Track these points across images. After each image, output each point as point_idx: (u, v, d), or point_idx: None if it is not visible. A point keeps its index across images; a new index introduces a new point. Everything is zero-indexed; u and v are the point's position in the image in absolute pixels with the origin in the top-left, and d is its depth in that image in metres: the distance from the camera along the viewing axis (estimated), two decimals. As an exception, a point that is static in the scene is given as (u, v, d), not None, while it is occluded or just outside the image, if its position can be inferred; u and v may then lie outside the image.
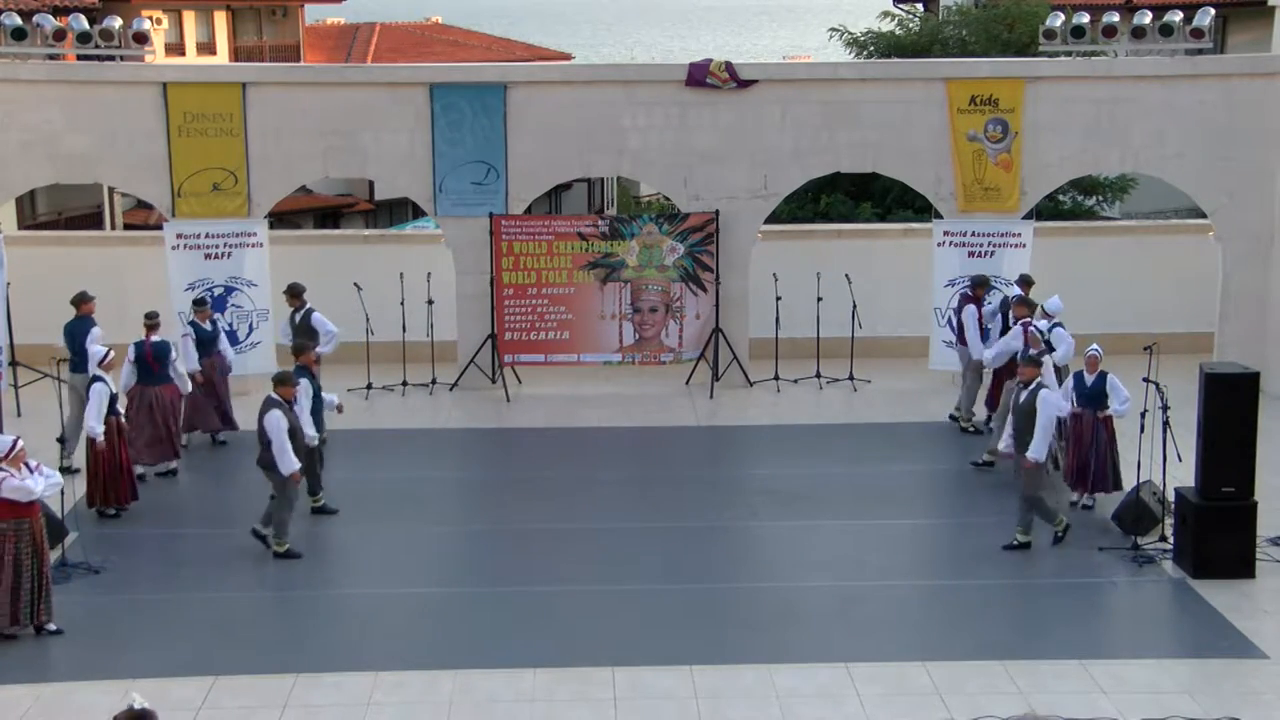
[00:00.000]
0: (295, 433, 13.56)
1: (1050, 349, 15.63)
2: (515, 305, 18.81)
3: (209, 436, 16.82)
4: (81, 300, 16.12)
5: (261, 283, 18.56)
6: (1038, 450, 13.42)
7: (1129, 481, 14.23)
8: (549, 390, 18.99)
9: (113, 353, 14.78)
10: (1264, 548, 13.31)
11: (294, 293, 16.90)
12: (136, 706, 7.21)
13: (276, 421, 13.35)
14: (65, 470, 14.55)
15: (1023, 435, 13.57)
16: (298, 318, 16.80)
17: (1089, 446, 14.25)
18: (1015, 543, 13.68)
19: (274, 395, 13.57)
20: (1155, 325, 18.35)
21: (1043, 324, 16.04)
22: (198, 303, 16.96)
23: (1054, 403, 13.56)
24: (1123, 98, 18.72)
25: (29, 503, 11.72)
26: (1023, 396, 13.71)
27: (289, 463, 13.37)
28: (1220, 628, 12.11)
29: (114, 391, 14.47)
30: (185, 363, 16.03)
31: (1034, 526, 13.76)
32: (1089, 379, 14.26)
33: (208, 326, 16.68)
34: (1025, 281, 17.12)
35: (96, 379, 14.38)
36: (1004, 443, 14.23)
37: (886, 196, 26.35)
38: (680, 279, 18.87)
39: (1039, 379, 13.74)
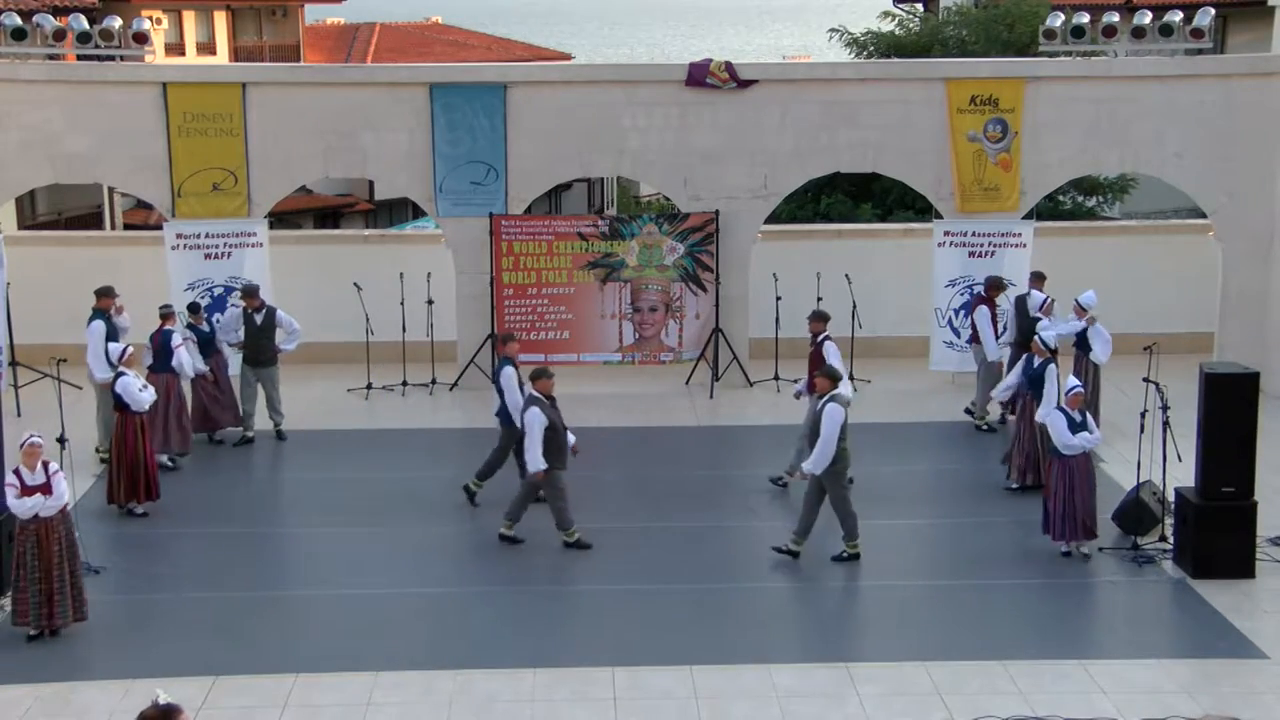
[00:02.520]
0: (556, 428, 13.45)
1: (1086, 349, 15.80)
2: (515, 305, 18.81)
3: (206, 436, 16.80)
4: (97, 295, 16.22)
5: (261, 283, 18.49)
6: (815, 463, 13.25)
7: (1127, 482, 14.22)
8: (549, 390, 18.97)
9: (130, 348, 14.99)
10: (1264, 548, 13.32)
11: (250, 293, 16.92)
12: (161, 703, 7.14)
13: (533, 417, 13.34)
14: (102, 460, 15.49)
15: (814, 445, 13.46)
16: (258, 318, 16.79)
17: (1074, 492, 13.34)
18: (844, 554, 13.49)
19: (534, 393, 13.58)
20: (1155, 325, 18.35)
21: (1073, 321, 16.11)
22: (192, 308, 16.99)
23: (837, 417, 13.16)
24: (1123, 98, 18.73)
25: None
26: (815, 406, 13.63)
27: (535, 460, 13.36)
28: (1220, 628, 12.12)
29: (143, 384, 14.66)
30: (189, 366, 16.08)
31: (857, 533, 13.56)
32: (1075, 415, 13.39)
33: (205, 328, 16.81)
34: (1038, 277, 17.11)
35: (120, 374, 14.57)
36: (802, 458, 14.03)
37: (887, 197, 26.34)
38: (680, 279, 18.87)
39: (833, 391, 13.33)
